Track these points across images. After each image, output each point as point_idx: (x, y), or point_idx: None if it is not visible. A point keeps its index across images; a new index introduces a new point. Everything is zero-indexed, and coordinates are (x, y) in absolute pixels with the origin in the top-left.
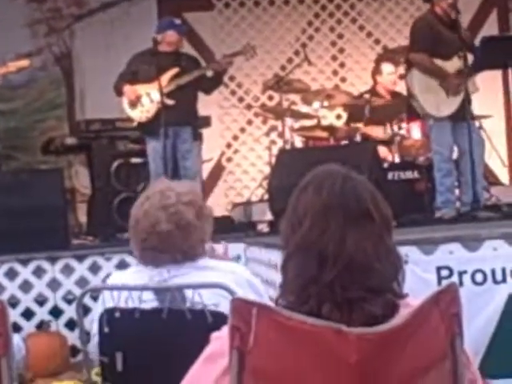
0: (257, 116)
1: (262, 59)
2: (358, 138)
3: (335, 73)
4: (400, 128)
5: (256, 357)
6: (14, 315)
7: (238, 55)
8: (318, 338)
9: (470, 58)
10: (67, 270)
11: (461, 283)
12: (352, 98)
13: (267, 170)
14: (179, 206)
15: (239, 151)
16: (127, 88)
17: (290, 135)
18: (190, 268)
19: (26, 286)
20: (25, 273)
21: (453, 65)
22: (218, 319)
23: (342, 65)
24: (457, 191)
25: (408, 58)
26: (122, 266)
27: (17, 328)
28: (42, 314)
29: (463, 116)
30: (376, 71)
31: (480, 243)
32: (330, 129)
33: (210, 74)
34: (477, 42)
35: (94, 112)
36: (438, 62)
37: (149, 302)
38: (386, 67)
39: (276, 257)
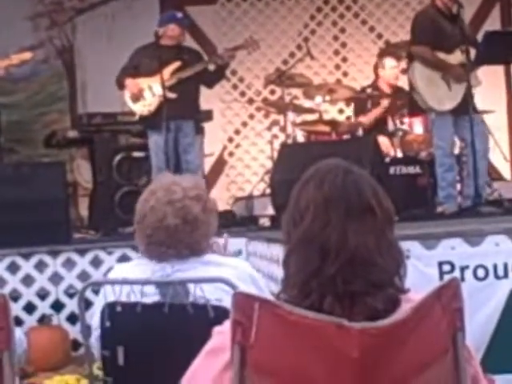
0: (259, 110)
1: (264, 53)
2: (360, 133)
3: (337, 67)
4: (402, 123)
5: (258, 351)
6: (16, 309)
7: (240, 49)
8: (319, 333)
9: (472, 52)
10: (69, 264)
11: (462, 278)
12: (354, 93)
13: (269, 164)
14: (186, 201)
15: (241, 145)
16: (129, 81)
17: (292, 129)
18: (194, 263)
19: (27, 280)
20: (26, 267)
21: (455, 58)
22: (220, 314)
23: (344, 59)
24: (458, 186)
25: (410, 51)
26: (124, 260)
27: (18, 322)
28: (43, 307)
29: (466, 110)
30: (378, 65)
31: (482, 238)
32: (332, 123)
33: (212, 67)
34: (479, 36)
35: (96, 105)
36: (441, 55)
37: (151, 295)
38: (389, 61)
39: (278, 251)
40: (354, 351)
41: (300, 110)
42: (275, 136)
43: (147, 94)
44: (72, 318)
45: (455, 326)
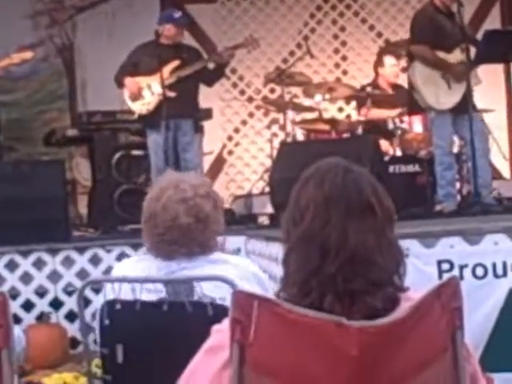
0: (258, 109)
1: (263, 52)
2: (360, 131)
3: (337, 66)
4: (401, 121)
5: (257, 350)
6: (14, 307)
7: (239, 47)
8: (318, 331)
9: (472, 51)
10: (68, 262)
11: (461, 277)
12: (354, 91)
13: (268, 162)
14: (197, 199)
15: (240, 144)
16: (128, 80)
17: (292, 128)
18: (201, 261)
19: (26, 278)
20: (25, 264)
21: (455, 57)
22: (219, 312)
23: (343, 58)
24: (457, 184)
25: (410, 50)
26: (123, 258)
27: (17, 320)
28: (42, 305)
29: (465, 109)
30: (378, 64)
31: (481, 237)
32: (332, 122)
33: (211, 66)
34: (479, 35)
35: (96, 104)
36: (440, 53)
37: (157, 292)
38: (389, 60)
39: (277, 250)
40: (353, 349)
41: (300, 108)
42: (275, 134)
43: (146, 93)
44: (70, 316)
45: (454, 325)
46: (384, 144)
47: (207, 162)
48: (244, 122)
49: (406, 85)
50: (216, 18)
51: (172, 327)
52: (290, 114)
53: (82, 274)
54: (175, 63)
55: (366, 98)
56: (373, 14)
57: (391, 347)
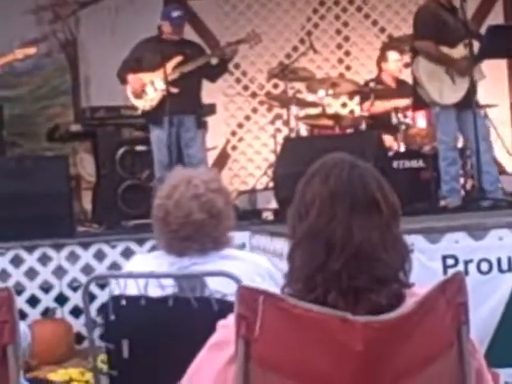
0: (262, 104)
1: (267, 47)
2: (363, 127)
3: (340, 61)
4: (405, 117)
5: (262, 345)
6: (20, 302)
7: (242, 43)
8: (323, 326)
9: (476, 46)
10: (72, 258)
11: (466, 272)
12: (357, 86)
13: (272, 158)
14: (209, 195)
15: (244, 139)
16: (131, 77)
17: (295, 123)
18: (213, 256)
19: (31, 273)
20: (30, 260)
21: (458, 52)
22: (224, 307)
23: (347, 53)
24: (461, 180)
25: (413, 45)
26: (127, 253)
27: (22, 315)
28: (47, 301)
29: (469, 104)
30: (382, 59)
31: (486, 232)
32: (335, 117)
33: (214, 61)
34: (482, 30)
35: (99, 99)
36: (444, 49)
37: (170, 287)
38: (392, 55)
39: (281, 245)
40: (358, 345)
41: (303, 103)
42: (278, 130)
43: (149, 89)
44: (76, 312)
45: (460, 320)
46: (388, 139)
47: (211, 158)
48: (247, 118)
49: (409, 80)
50: (219, 13)
51: (177, 323)
52: (294, 109)
53: (87, 270)
54: (178, 59)
55: (370, 93)
56: (376, 9)
57: (396, 343)
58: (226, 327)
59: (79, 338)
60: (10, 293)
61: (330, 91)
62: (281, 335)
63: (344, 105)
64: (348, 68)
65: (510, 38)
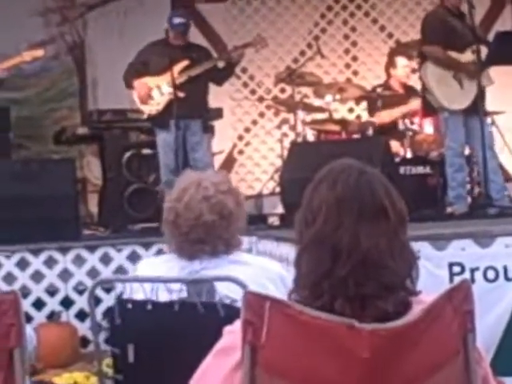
0: (269, 108)
1: (274, 51)
2: (370, 132)
3: (348, 66)
4: (412, 123)
5: (268, 351)
6: (25, 306)
7: (248, 47)
8: (330, 333)
9: (483, 51)
10: (78, 261)
11: (473, 280)
12: (364, 92)
13: (279, 162)
14: (219, 196)
15: (251, 143)
16: (137, 83)
17: (302, 128)
18: (223, 260)
19: (37, 277)
20: (36, 263)
21: (466, 57)
22: (231, 313)
23: (354, 58)
24: (468, 186)
25: (421, 51)
26: (133, 257)
27: (28, 318)
28: (52, 304)
29: (476, 111)
30: (390, 64)
31: (492, 240)
32: (342, 122)
33: (221, 64)
34: (490, 36)
35: (106, 102)
36: (452, 54)
37: (178, 292)
38: (401, 60)
39: (287, 250)
40: (364, 352)
41: (310, 108)
42: (285, 134)
43: (155, 94)
44: (81, 315)
45: (466, 328)
46: (395, 145)
47: (217, 162)
48: (254, 122)
49: (417, 86)
50: (227, 16)
51: (184, 328)
52: (301, 114)
53: (93, 273)
54: (184, 63)
55: (377, 98)
56: (384, 14)
57: (403, 350)
58: (233, 333)
59: (84, 342)
60: (16, 296)
61: (337, 96)
62: (287, 341)
63: (351, 110)
64: (355, 73)
65: None
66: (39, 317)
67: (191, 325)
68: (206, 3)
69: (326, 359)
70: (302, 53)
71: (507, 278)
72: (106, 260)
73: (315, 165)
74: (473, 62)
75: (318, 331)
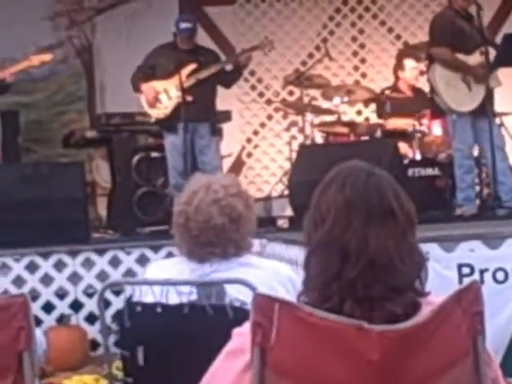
0: (277, 111)
1: (282, 54)
2: (379, 134)
3: (356, 68)
4: (421, 124)
5: (278, 353)
6: (35, 309)
7: (255, 50)
8: (339, 335)
9: (492, 53)
10: (88, 264)
11: (482, 281)
12: (373, 94)
13: (287, 165)
14: (229, 199)
15: (259, 146)
16: (145, 87)
17: (311, 130)
18: (234, 263)
19: (46, 280)
20: (45, 266)
21: (474, 59)
22: (240, 315)
23: (362, 60)
24: (477, 188)
25: (429, 52)
26: (142, 260)
27: (37, 321)
28: (62, 307)
29: (485, 112)
30: (398, 67)
31: (501, 241)
32: (351, 124)
33: (229, 67)
34: (498, 38)
35: (114, 105)
36: (460, 56)
37: (189, 294)
38: (409, 62)
39: (296, 253)
40: (373, 354)
41: (318, 111)
42: (293, 137)
43: (163, 97)
44: (90, 318)
45: (475, 330)
46: (403, 147)
47: (226, 165)
48: (263, 125)
49: (426, 88)
50: (234, 19)
51: (193, 330)
52: (309, 116)
53: (102, 276)
54: (192, 66)
55: (385, 101)
56: (392, 16)
57: (412, 352)
58: (242, 335)
59: (94, 345)
60: (25, 299)
61: (346, 98)
62: (296, 343)
63: (359, 112)
64: (363, 75)
65: None
66: (49, 320)
67: (201, 327)
68: (213, 6)
69: (335, 361)
70: (310, 55)
71: None
72: (115, 263)
73: (324, 167)
74: (481, 64)
75: (327, 333)
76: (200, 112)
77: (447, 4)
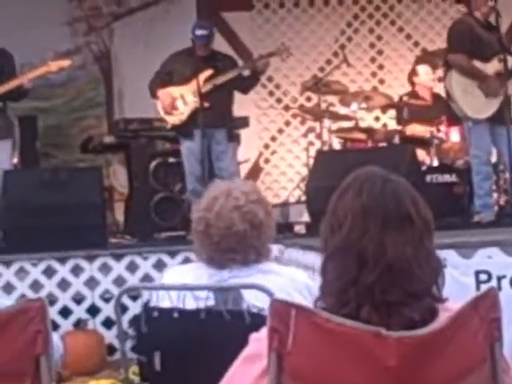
0: (295, 117)
1: (300, 60)
2: (397, 140)
3: (374, 74)
4: (439, 131)
5: (294, 358)
6: (52, 313)
7: (272, 56)
8: (356, 341)
9: (510, 61)
10: (105, 269)
11: (499, 288)
12: (390, 100)
13: (305, 171)
14: (250, 206)
15: (277, 152)
16: (161, 93)
17: (328, 137)
18: (253, 270)
19: (63, 284)
20: (63, 271)
21: (492, 67)
22: (256, 320)
23: (380, 67)
24: (495, 195)
25: (446, 59)
26: (159, 265)
27: (54, 326)
28: (79, 312)
29: (502, 119)
30: (412, 74)
31: None
32: (368, 131)
33: (246, 73)
34: None
35: (132, 111)
36: (477, 63)
37: (205, 299)
38: (422, 68)
39: (313, 259)
40: (391, 360)
41: (336, 117)
42: (311, 143)
43: (179, 103)
44: (107, 323)
45: (493, 336)
46: (421, 153)
47: (243, 171)
48: (280, 131)
49: (444, 94)
50: (252, 25)
51: (210, 335)
52: (327, 122)
53: (119, 281)
54: (209, 72)
55: (403, 107)
56: (410, 23)
57: (429, 358)
58: (259, 340)
59: (111, 350)
60: (42, 303)
61: (363, 105)
62: (313, 349)
63: (377, 118)
64: (381, 82)
65: None
66: (66, 325)
67: (217, 333)
68: (231, 12)
69: (352, 367)
70: (328, 61)
71: None
72: (132, 268)
73: (341, 173)
74: (498, 73)
75: (344, 339)
76: (217, 118)
77: (466, 11)
